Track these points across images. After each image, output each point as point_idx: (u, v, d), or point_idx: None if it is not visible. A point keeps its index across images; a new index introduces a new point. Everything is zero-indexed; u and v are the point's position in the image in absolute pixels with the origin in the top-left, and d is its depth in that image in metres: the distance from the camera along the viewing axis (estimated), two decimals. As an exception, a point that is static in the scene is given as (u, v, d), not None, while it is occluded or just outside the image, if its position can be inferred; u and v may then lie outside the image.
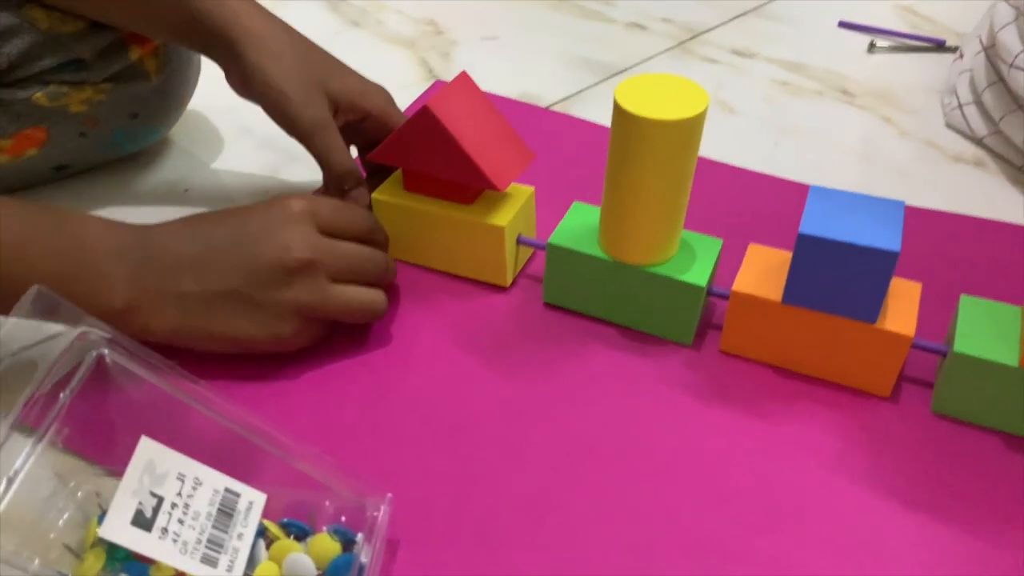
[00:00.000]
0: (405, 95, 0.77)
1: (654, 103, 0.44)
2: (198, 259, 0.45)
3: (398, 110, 0.57)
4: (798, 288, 0.46)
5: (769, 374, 0.50)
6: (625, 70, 0.84)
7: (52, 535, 0.37)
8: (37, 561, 0.34)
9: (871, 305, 0.45)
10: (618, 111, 0.45)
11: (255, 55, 0.51)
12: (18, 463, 0.32)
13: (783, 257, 0.50)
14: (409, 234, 0.56)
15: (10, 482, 0.32)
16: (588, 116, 0.75)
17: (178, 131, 0.72)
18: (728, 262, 0.55)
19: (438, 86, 0.80)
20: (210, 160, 0.70)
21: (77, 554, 0.36)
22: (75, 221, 0.45)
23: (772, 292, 0.48)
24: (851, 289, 0.45)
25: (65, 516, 0.38)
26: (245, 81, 0.52)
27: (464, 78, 0.53)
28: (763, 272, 0.49)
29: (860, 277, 0.44)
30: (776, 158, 0.70)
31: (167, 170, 0.68)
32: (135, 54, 0.60)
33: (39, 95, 0.57)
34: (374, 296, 0.49)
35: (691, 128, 0.44)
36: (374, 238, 0.51)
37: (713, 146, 0.70)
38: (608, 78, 0.82)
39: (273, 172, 0.68)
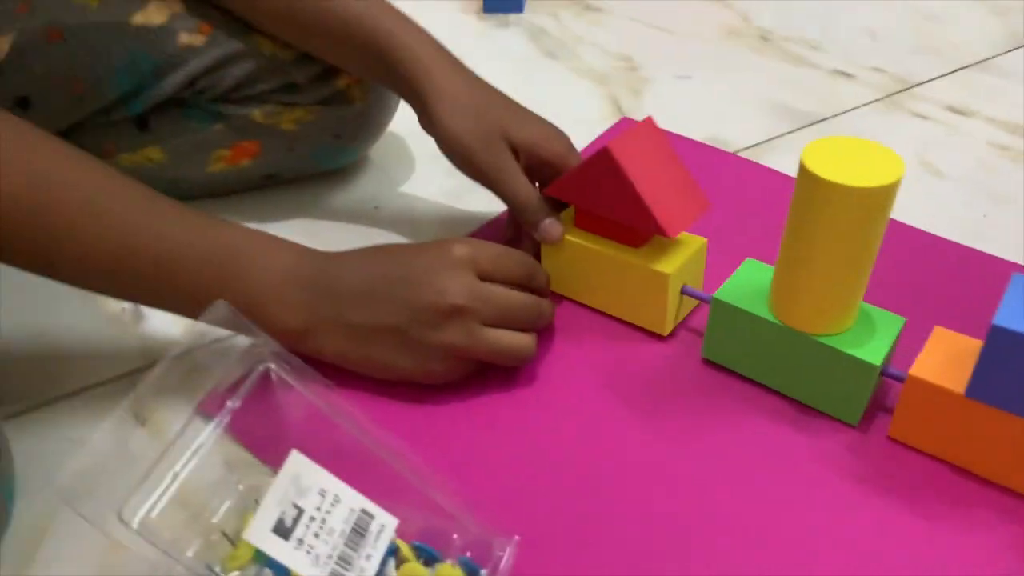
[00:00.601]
0: (590, 131, 0.78)
1: (844, 167, 0.42)
2: (367, 293, 0.49)
3: (577, 155, 0.58)
4: (985, 382, 0.42)
5: (941, 470, 0.46)
6: (824, 119, 0.80)
7: (214, 519, 0.40)
8: (191, 552, 0.37)
9: (1071, 413, 0.40)
10: (803, 171, 0.43)
11: (442, 112, 0.55)
12: (196, 446, 0.36)
13: (972, 345, 0.46)
14: (573, 270, 0.57)
15: (188, 462, 0.36)
16: (778, 166, 0.72)
17: (375, 151, 0.76)
18: (909, 342, 0.51)
19: (624, 124, 0.80)
20: (401, 181, 0.74)
21: (232, 541, 0.40)
22: (267, 249, 0.49)
23: (954, 382, 0.44)
24: (1048, 392, 0.40)
25: (227, 504, 0.41)
26: (432, 131, 0.56)
27: (649, 122, 0.53)
28: (947, 359, 0.45)
29: (1061, 381, 0.39)
30: (983, 230, 0.64)
31: (360, 187, 0.73)
32: (343, 82, 0.65)
33: (256, 112, 0.64)
34: (524, 342, 0.50)
35: (881, 198, 0.42)
36: (533, 284, 0.52)
37: (913, 210, 0.65)
38: (805, 127, 0.79)
39: (456, 198, 0.71)
